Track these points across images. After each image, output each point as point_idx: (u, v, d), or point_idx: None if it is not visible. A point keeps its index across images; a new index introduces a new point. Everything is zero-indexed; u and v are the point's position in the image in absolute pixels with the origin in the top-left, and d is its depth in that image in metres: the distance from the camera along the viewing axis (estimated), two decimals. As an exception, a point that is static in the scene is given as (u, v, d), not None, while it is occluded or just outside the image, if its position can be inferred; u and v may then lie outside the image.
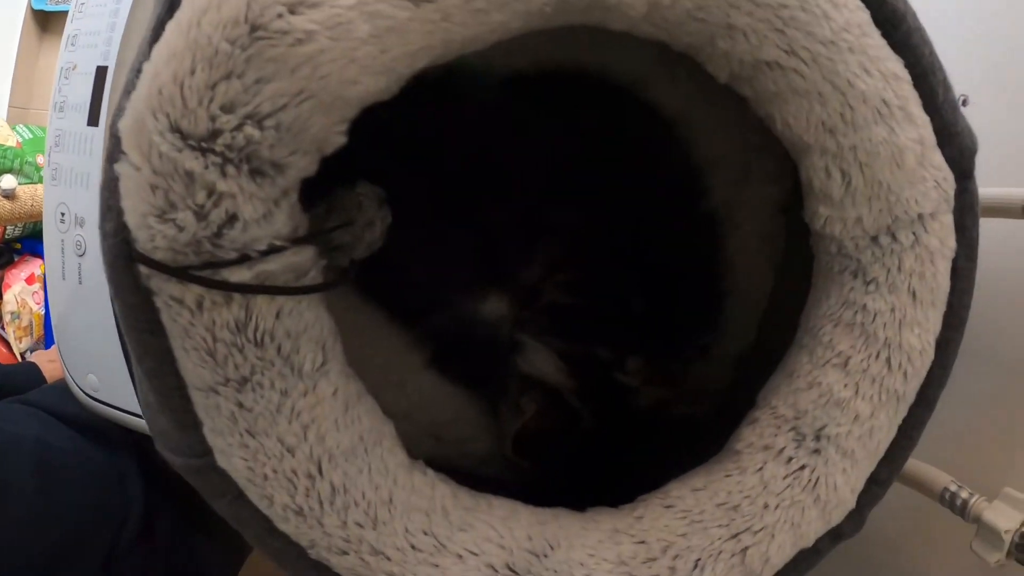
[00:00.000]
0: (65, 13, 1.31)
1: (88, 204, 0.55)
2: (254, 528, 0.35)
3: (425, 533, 0.35)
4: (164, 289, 0.30)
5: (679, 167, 0.43)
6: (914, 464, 0.41)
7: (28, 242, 1.27)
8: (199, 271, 0.30)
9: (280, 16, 0.26)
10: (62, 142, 0.56)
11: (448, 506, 0.36)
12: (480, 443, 0.50)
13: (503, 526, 0.36)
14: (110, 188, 0.30)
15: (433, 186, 0.43)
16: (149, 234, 0.29)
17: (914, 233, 0.31)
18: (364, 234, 0.40)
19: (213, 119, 0.26)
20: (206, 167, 0.27)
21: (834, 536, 0.35)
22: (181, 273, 0.29)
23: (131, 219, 0.29)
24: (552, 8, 0.30)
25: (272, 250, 0.30)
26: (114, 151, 0.30)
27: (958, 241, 0.31)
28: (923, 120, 0.30)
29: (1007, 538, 0.36)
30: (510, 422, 0.45)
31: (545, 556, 0.35)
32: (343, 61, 0.27)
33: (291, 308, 0.32)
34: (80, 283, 0.56)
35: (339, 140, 0.30)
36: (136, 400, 0.56)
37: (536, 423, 0.44)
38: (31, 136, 1.23)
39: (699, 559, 0.34)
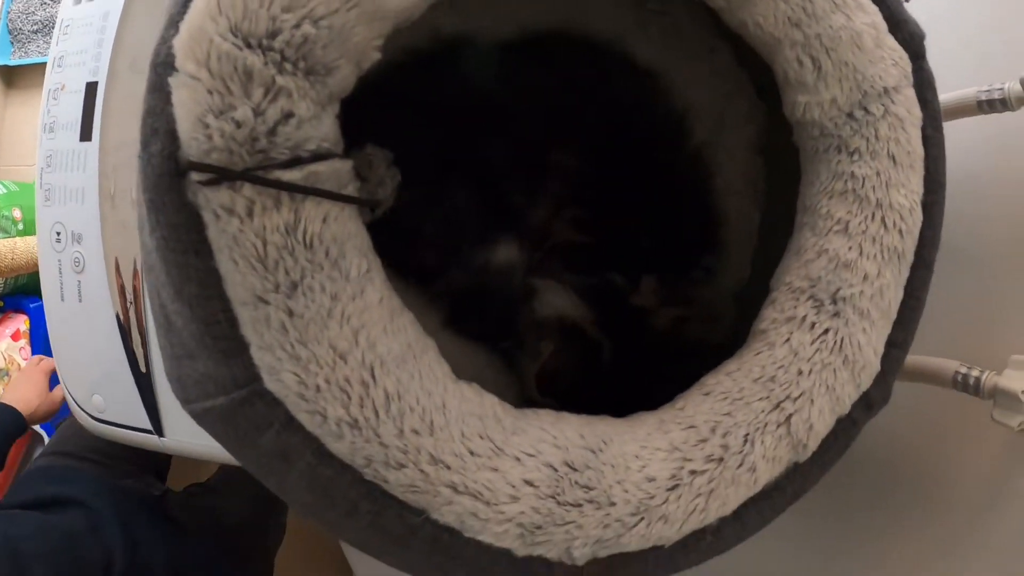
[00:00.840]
0: (31, 67, 1.31)
1: (84, 219, 0.54)
2: (304, 456, 0.34)
3: (481, 437, 0.34)
4: (213, 199, 0.31)
5: (662, 113, 0.48)
6: (921, 359, 0.43)
7: (11, 299, 1.22)
8: (252, 172, 0.31)
9: (335, -82, 0.29)
10: (54, 162, 0.56)
11: (499, 412, 0.36)
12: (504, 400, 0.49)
13: (554, 428, 0.36)
14: (155, 112, 0.31)
15: (438, 145, 0.46)
16: (205, 134, 0.30)
17: (883, 104, 0.35)
18: (376, 192, 0.42)
19: (273, 19, 0.29)
20: (265, 63, 0.29)
21: (866, 404, 0.36)
22: (235, 174, 0.30)
23: (185, 125, 0.30)
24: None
25: (320, 154, 0.32)
26: (163, 73, 0.31)
27: (923, 111, 0.36)
28: (873, 9, 0.35)
29: None
30: (530, 366, 0.46)
31: (600, 451, 0.35)
32: (385, -33, 0.30)
33: (336, 215, 0.33)
34: (80, 301, 0.54)
35: (375, 55, 0.33)
36: (145, 415, 0.54)
37: (556, 361, 0.45)
38: (5, 191, 1.20)
39: (747, 433, 0.35)
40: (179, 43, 0.30)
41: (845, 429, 0.36)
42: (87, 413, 0.54)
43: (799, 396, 0.35)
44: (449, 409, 0.34)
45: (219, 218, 0.31)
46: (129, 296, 0.53)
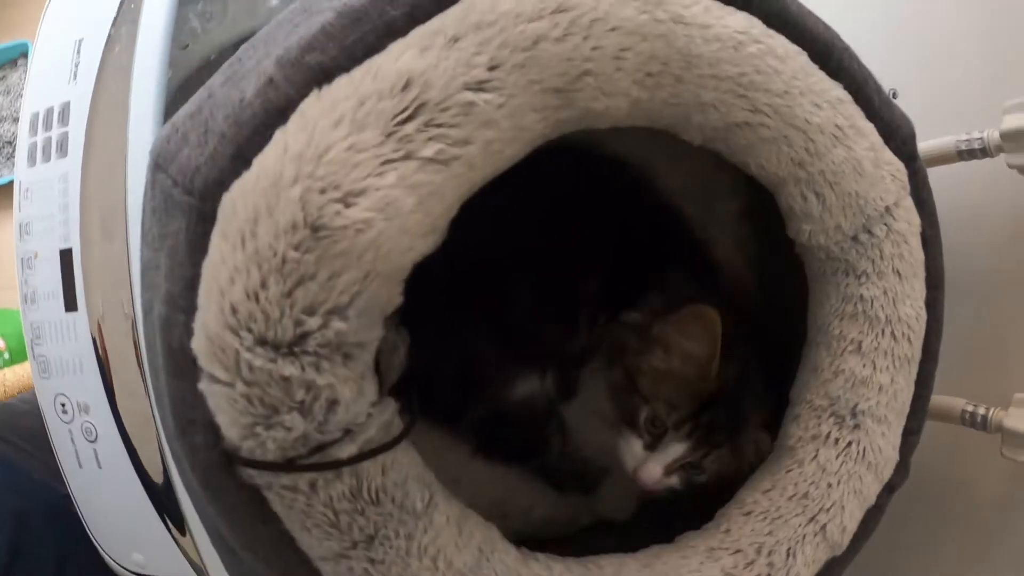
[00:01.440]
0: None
1: (87, 387, 0.52)
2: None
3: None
4: (274, 483, 0.31)
5: (652, 203, 0.47)
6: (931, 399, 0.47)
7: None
8: (308, 459, 0.30)
9: (337, 213, 0.27)
10: (42, 333, 0.52)
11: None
12: (539, 508, 0.52)
13: (620, 573, 0.39)
14: (186, 401, 0.30)
15: (446, 291, 0.45)
16: (257, 442, 0.29)
17: (885, 224, 0.36)
18: (392, 359, 0.41)
19: (298, 323, 0.27)
20: (302, 369, 0.28)
21: (889, 489, 0.40)
22: (294, 467, 0.30)
23: (233, 432, 0.29)
24: (551, 130, 0.32)
25: (368, 418, 0.31)
26: (185, 368, 0.29)
27: (920, 215, 0.37)
28: (869, 129, 0.35)
29: None
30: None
31: (664, 590, 0.38)
32: (398, 235, 0.29)
33: (392, 460, 0.33)
34: (100, 467, 0.53)
35: (398, 301, 0.32)
36: (188, 567, 0.55)
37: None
38: None
39: (789, 548, 0.39)
40: (199, 347, 0.29)
41: (872, 516, 0.40)
42: (128, 571, 0.55)
43: (831, 506, 0.38)
44: (529, 593, 0.36)
45: (283, 496, 0.31)
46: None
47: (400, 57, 0.29)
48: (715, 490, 0.44)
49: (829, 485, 0.38)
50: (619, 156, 0.49)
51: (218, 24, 0.53)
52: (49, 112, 0.51)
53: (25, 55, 1.20)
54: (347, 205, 0.27)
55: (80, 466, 0.55)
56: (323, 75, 0.29)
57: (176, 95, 0.52)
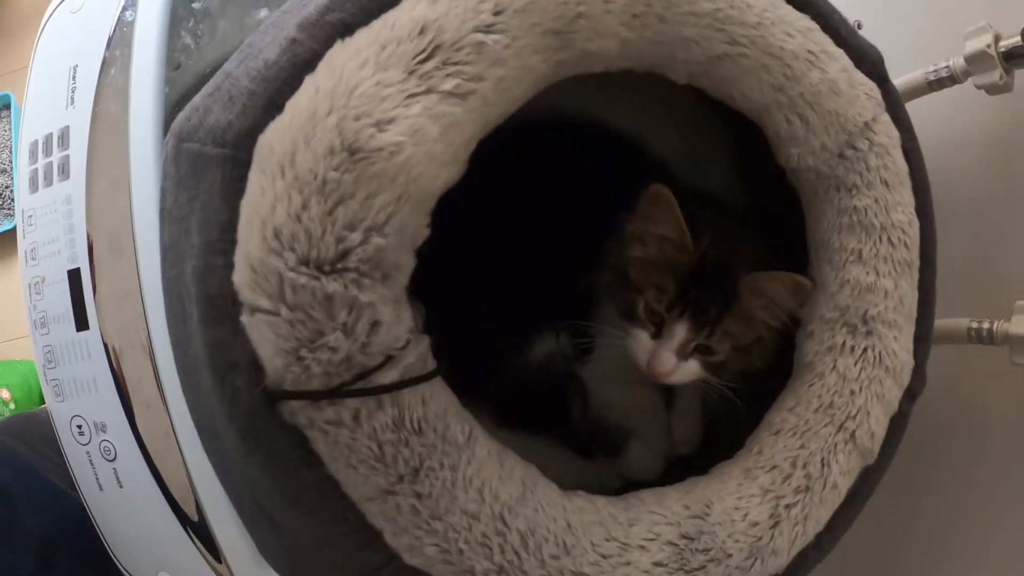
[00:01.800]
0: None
1: (104, 406, 0.53)
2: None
3: (607, 540, 0.39)
4: (317, 418, 0.33)
5: (649, 169, 0.52)
6: (936, 324, 0.50)
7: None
8: (352, 386, 0.32)
9: (372, 136, 0.30)
10: (55, 357, 0.54)
11: (613, 511, 0.40)
12: (568, 476, 0.52)
13: (661, 507, 0.41)
14: (227, 346, 0.33)
15: (456, 265, 0.48)
16: (302, 367, 0.31)
17: (867, 138, 0.41)
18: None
19: (340, 240, 0.30)
20: (345, 287, 0.31)
21: (910, 395, 0.43)
22: (340, 393, 0.32)
23: (276, 361, 0.32)
24: (552, 71, 0.37)
25: (407, 344, 0.34)
26: (223, 306, 0.32)
27: (899, 130, 0.42)
28: (840, 54, 0.40)
29: (990, 50, 0.45)
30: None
31: (707, 515, 0.41)
32: (426, 161, 0.32)
33: (431, 392, 0.36)
34: (121, 487, 0.54)
35: (426, 232, 0.35)
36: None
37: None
38: None
39: (823, 458, 0.41)
40: (242, 280, 0.31)
41: (898, 423, 0.43)
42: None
43: (857, 413, 0.41)
44: (574, 527, 0.38)
45: (327, 432, 0.33)
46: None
47: (414, 8, 0.34)
48: (736, 435, 0.46)
49: (852, 392, 0.42)
50: (613, 127, 0.54)
51: (210, 41, 0.58)
52: (48, 138, 0.55)
53: (8, 107, 1.25)
54: (380, 130, 0.31)
55: (101, 488, 0.56)
56: (344, 29, 0.33)
57: (174, 111, 0.56)
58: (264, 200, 0.31)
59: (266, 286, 0.31)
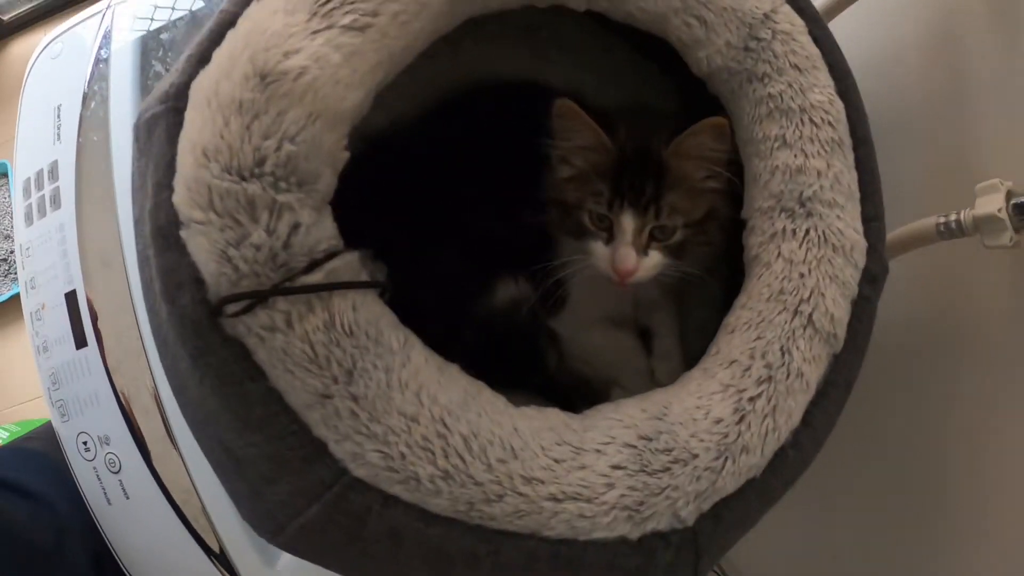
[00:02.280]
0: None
1: (106, 419, 0.60)
2: (411, 525, 0.39)
3: (559, 444, 0.40)
4: (253, 324, 0.38)
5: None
6: (902, 229, 0.52)
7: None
8: (280, 287, 0.37)
9: (279, 62, 0.37)
10: (59, 378, 0.61)
11: (565, 419, 0.42)
12: None
13: (618, 412, 0.42)
14: (173, 268, 0.38)
15: (410, 219, 0.54)
16: (231, 266, 0.37)
17: (769, 28, 0.45)
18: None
19: (257, 148, 0.37)
20: (263, 188, 0.37)
21: (870, 278, 0.44)
22: (272, 291, 0.37)
23: (210, 266, 0.37)
24: (448, 6, 0.44)
25: (331, 252, 0.39)
26: (170, 232, 0.38)
27: (803, 19, 0.46)
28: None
29: (1002, 214, 0.46)
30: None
31: (665, 416, 0.42)
32: (331, 83, 0.39)
33: (362, 301, 0.40)
34: (128, 498, 0.59)
35: (344, 156, 0.41)
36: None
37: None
38: (7, 434, 1.22)
39: (781, 346, 0.43)
40: (179, 199, 0.38)
41: (862, 308, 0.44)
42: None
43: (810, 295, 0.43)
44: (522, 431, 0.40)
45: (264, 339, 0.38)
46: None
47: (315, -35, 0.41)
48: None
49: (801, 275, 0.43)
50: (553, 86, 0.60)
51: None
52: (39, 174, 0.65)
53: (6, 175, 1.41)
54: (287, 57, 0.38)
55: (109, 503, 0.61)
56: (259, -8, 0.41)
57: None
58: (194, 128, 0.38)
59: (198, 198, 0.37)
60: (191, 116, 0.38)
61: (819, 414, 0.43)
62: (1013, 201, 0.47)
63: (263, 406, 0.39)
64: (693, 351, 0.58)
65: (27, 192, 0.66)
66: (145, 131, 0.43)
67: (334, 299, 0.39)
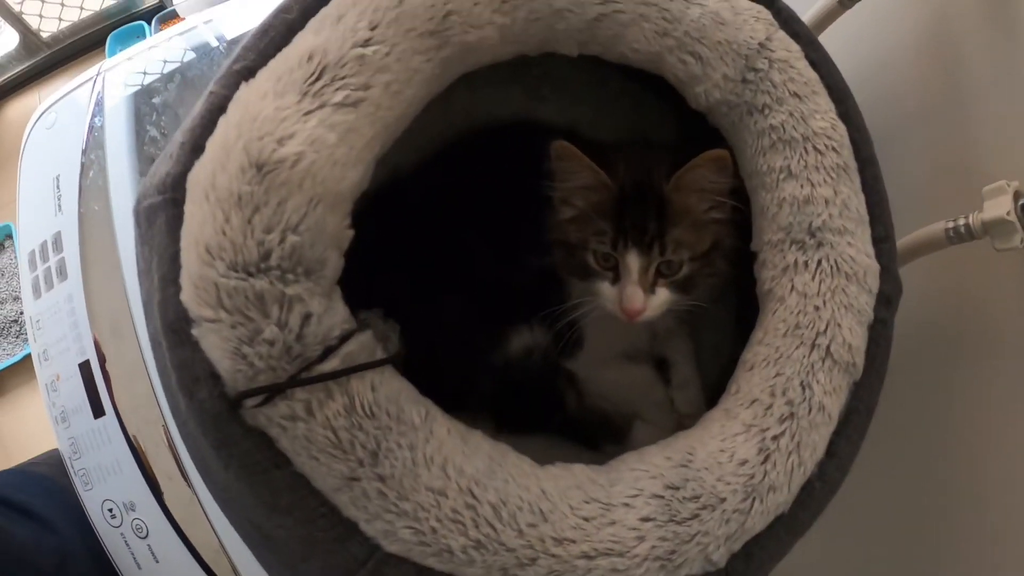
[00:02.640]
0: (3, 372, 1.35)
1: (130, 485, 0.61)
2: (448, 595, 0.39)
3: (587, 502, 0.41)
4: (274, 415, 0.38)
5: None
6: (911, 237, 0.52)
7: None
8: (297, 377, 0.38)
9: (274, 151, 0.37)
10: (79, 447, 0.62)
11: (591, 475, 0.43)
12: None
13: (642, 462, 0.43)
14: (188, 364, 0.39)
15: (417, 274, 0.54)
16: (247, 363, 0.37)
17: (765, 58, 0.45)
18: (388, 348, 0.49)
19: (260, 243, 0.37)
20: (271, 283, 0.37)
21: (885, 301, 0.44)
22: (289, 383, 0.37)
23: (224, 363, 0.37)
24: (440, 68, 0.43)
25: (345, 335, 0.39)
26: (181, 328, 0.38)
27: (798, 43, 0.45)
28: (715, -15, 0.45)
29: (1011, 216, 0.45)
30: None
31: (690, 462, 0.42)
32: (329, 165, 0.39)
33: (380, 380, 0.40)
34: (157, 562, 0.60)
35: (348, 234, 0.41)
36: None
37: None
38: None
39: (801, 381, 0.43)
40: (187, 297, 0.38)
41: (879, 332, 0.44)
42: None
43: (826, 328, 0.43)
44: (550, 492, 0.41)
45: (286, 428, 0.38)
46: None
47: (302, 41, 0.41)
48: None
49: (816, 308, 0.43)
50: (548, 125, 0.60)
51: (174, 130, 0.69)
52: (43, 245, 0.66)
53: (10, 236, 1.42)
54: (281, 144, 0.38)
55: (139, 567, 0.63)
56: (248, 73, 0.41)
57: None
58: (195, 223, 0.38)
59: (206, 297, 0.37)
60: (191, 210, 0.39)
61: (843, 443, 0.43)
62: (1021, 202, 0.47)
63: (290, 491, 0.40)
64: (709, 375, 0.59)
65: (32, 264, 0.67)
66: (145, 220, 0.43)
67: (352, 382, 0.39)
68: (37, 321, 0.65)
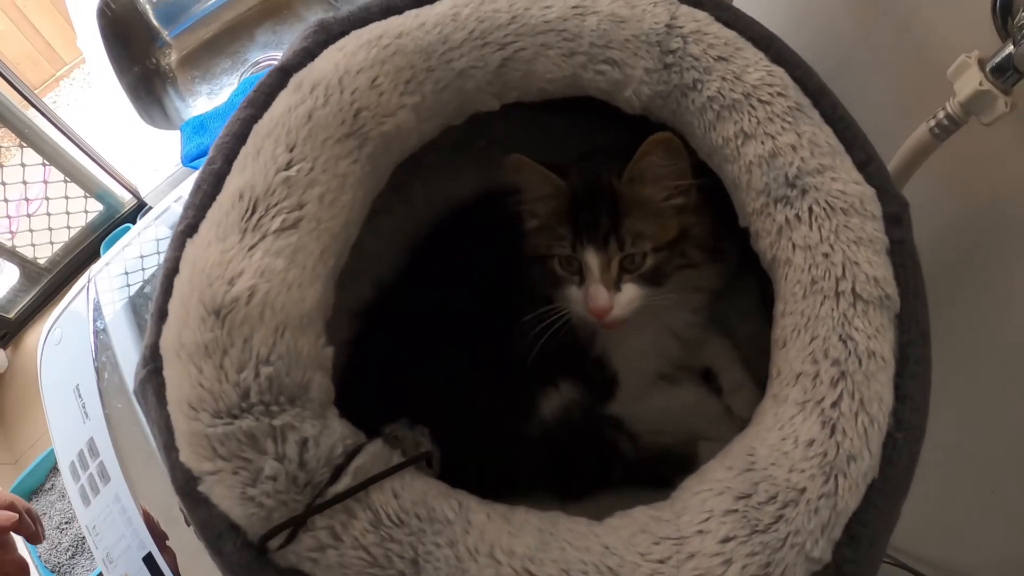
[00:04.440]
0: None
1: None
2: None
3: (657, 543, 0.39)
4: (302, 551, 0.38)
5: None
6: (899, 155, 0.50)
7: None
8: (314, 503, 0.38)
9: (227, 292, 0.39)
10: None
11: (652, 513, 0.41)
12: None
13: (704, 482, 0.41)
14: (210, 522, 0.39)
15: (438, 366, 0.55)
16: (256, 505, 0.38)
17: (677, 36, 0.46)
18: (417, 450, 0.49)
19: (236, 384, 0.38)
20: (256, 419, 0.38)
21: (893, 221, 0.42)
22: (305, 513, 0.37)
23: (236, 510, 0.38)
24: (370, 166, 0.46)
25: (351, 451, 0.39)
26: (192, 489, 0.39)
27: (703, 8, 0.47)
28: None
29: (985, 85, 0.44)
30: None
31: (753, 464, 0.40)
32: (285, 290, 0.41)
33: (402, 485, 0.40)
34: None
35: (328, 353, 0.43)
36: None
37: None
38: None
39: (840, 335, 0.40)
40: (185, 457, 0.40)
41: (901, 253, 0.42)
42: None
43: (843, 271, 0.41)
44: (614, 546, 0.39)
45: (317, 560, 0.38)
46: None
47: (230, 184, 0.44)
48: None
49: (825, 255, 0.41)
50: (508, 184, 0.62)
51: None
52: (80, 454, 0.70)
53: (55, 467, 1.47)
54: (232, 284, 0.40)
55: None
56: (191, 230, 0.44)
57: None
58: (174, 385, 0.40)
59: (201, 451, 0.39)
60: (168, 374, 0.41)
61: (910, 381, 0.40)
62: (989, 67, 0.45)
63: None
64: (758, 370, 0.56)
65: (75, 475, 0.71)
66: (142, 396, 0.45)
67: (372, 495, 0.39)
68: (93, 527, 0.68)
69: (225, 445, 0.38)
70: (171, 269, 0.44)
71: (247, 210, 0.43)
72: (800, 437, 0.39)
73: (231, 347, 0.39)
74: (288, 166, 0.44)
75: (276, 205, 0.43)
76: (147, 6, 1.54)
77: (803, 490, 0.38)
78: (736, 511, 0.38)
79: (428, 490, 0.41)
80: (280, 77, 0.47)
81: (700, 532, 0.39)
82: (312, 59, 0.48)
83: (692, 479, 0.42)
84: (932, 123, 0.46)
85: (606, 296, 0.49)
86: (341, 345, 0.59)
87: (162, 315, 0.43)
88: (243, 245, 0.42)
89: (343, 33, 0.48)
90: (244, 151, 0.45)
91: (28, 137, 1.39)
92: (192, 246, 0.43)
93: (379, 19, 0.48)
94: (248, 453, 0.38)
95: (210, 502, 0.39)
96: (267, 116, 0.46)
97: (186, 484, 0.40)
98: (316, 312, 0.42)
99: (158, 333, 0.43)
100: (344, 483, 0.39)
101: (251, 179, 0.44)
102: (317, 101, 0.45)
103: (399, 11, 0.48)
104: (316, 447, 0.39)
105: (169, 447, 0.41)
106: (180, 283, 0.42)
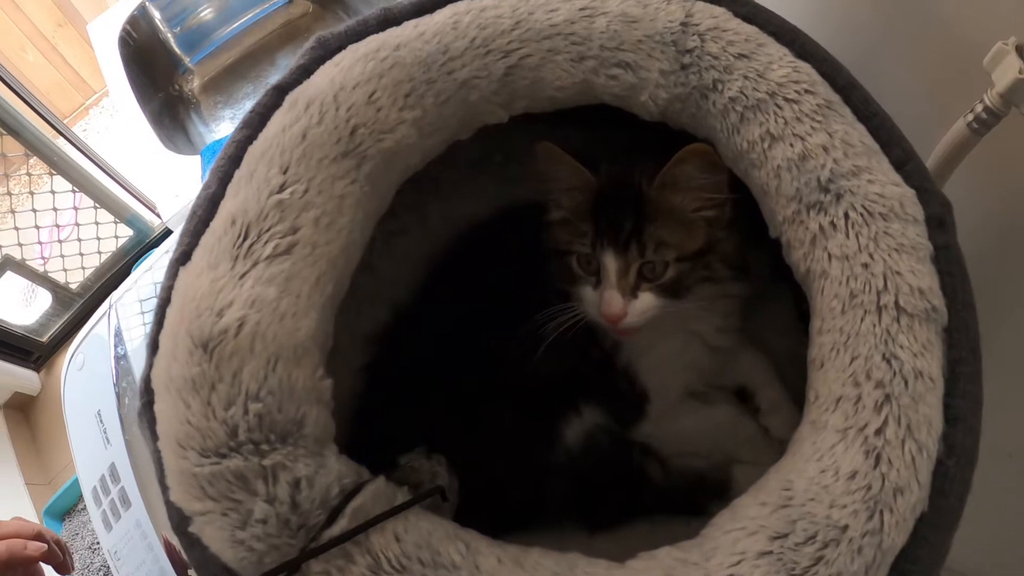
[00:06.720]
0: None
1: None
2: None
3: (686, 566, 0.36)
4: (300, 599, 0.36)
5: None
6: (937, 152, 0.46)
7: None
8: (308, 548, 0.36)
9: (215, 324, 0.38)
10: None
11: (679, 555, 0.38)
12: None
13: (736, 520, 0.39)
14: (204, 564, 0.38)
15: (456, 394, 0.54)
16: (246, 549, 0.36)
17: (694, 34, 0.44)
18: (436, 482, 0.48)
19: (224, 421, 0.37)
20: (245, 458, 0.37)
21: (936, 224, 0.39)
22: (298, 558, 0.36)
23: (227, 553, 0.37)
24: (369, 185, 0.45)
25: (349, 491, 0.38)
26: (187, 534, 0.38)
27: (721, 5, 0.44)
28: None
29: None
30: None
31: (790, 500, 0.37)
32: (277, 320, 0.40)
33: (404, 527, 0.38)
34: None
35: (327, 385, 0.41)
36: None
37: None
38: None
39: (884, 353, 0.37)
40: (176, 496, 0.39)
41: (946, 260, 0.39)
42: None
43: (884, 282, 0.38)
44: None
45: (318, 608, 0.36)
46: None
47: (223, 209, 0.44)
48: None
49: (865, 265, 0.39)
50: (527, 199, 0.60)
51: None
52: (102, 479, 0.70)
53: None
54: (220, 316, 0.39)
55: None
56: (185, 258, 0.44)
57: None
58: (164, 420, 0.39)
59: (190, 491, 0.37)
60: (159, 408, 0.40)
61: (961, 401, 0.36)
62: None
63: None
64: (796, 387, 0.53)
65: (97, 500, 0.71)
66: (140, 428, 0.45)
67: (372, 538, 0.37)
68: (115, 552, 0.68)
69: (214, 485, 0.37)
70: (165, 299, 0.43)
71: (239, 236, 0.42)
72: (841, 469, 0.36)
73: (219, 382, 0.38)
74: (281, 188, 0.43)
75: (269, 230, 0.42)
76: (168, 34, 1.58)
77: (845, 528, 0.35)
78: (771, 552, 0.36)
79: (434, 531, 0.39)
80: (276, 96, 0.46)
81: (732, 576, 0.36)
82: (309, 76, 0.47)
83: (723, 515, 0.39)
84: (970, 117, 0.43)
85: (620, 303, 0.48)
86: (358, 371, 0.59)
87: (155, 347, 0.42)
88: (234, 273, 0.41)
89: (341, 48, 0.47)
90: (238, 174, 0.44)
91: (58, 165, 1.43)
92: (184, 274, 0.42)
93: (377, 31, 0.47)
94: (237, 494, 0.36)
95: (202, 543, 0.38)
96: (261, 137, 0.45)
97: (179, 524, 0.39)
98: (312, 342, 0.41)
99: (151, 366, 0.42)
100: (340, 526, 0.37)
101: (244, 203, 0.43)
102: (312, 119, 0.44)
103: (397, 22, 0.47)
104: (310, 488, 0.37)
105: (163, 484, 0.40)
106: (171, 314, 0.41)
